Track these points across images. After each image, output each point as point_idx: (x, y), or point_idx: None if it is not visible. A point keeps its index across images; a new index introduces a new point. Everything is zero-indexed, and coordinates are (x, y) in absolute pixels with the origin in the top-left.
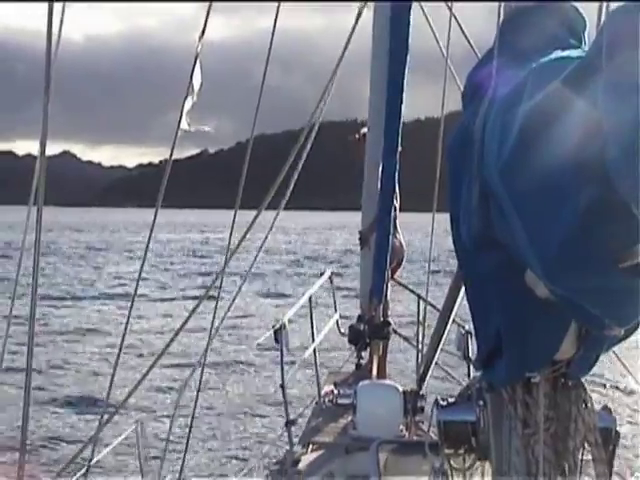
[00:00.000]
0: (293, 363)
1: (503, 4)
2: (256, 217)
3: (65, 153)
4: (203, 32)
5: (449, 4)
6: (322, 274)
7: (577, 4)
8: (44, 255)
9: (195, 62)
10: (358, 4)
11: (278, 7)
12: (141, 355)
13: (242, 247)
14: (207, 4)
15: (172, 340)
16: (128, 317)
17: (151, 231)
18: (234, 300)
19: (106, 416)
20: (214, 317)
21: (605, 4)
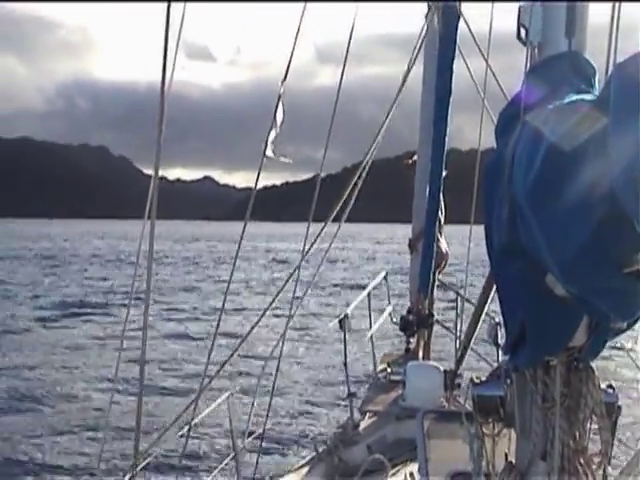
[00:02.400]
0: (354, 345)
1: (529, 56)
2: (323, 228)
3: (206, 178)
4: (285, 77)
5: (485, 56)
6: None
7: (588, 56)
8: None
9: (278, 101)
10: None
11: (346, 57)
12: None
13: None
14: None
15: (254, 326)
16: (222, 306)
17: (240, 240)
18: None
19: (206, 381)
20: (292, 305)
21: (612, 57)
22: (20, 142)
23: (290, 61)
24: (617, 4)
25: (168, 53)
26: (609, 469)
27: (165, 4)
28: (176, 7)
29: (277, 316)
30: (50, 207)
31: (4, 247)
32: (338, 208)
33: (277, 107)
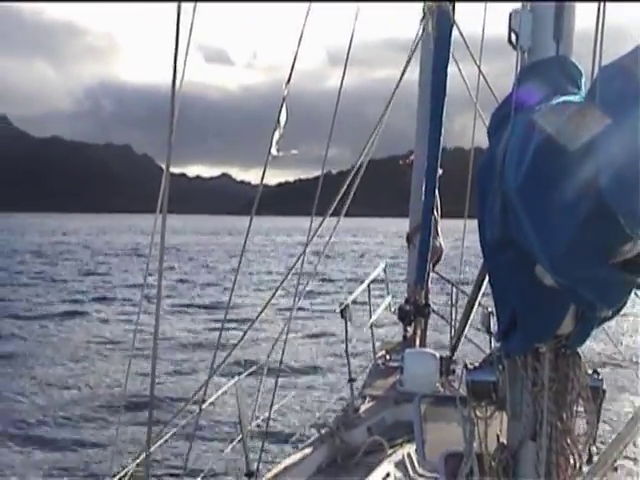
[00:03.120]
0: (355, 334)
1: (520, 60)
2: (322, 221)
3: (224, 175)
4: (288, 81)
5: (477, 62)
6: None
7: (574, 60)
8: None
9: (282, 104)
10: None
11: (346, 61)
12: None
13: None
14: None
15: (257, 317)
16: (230, 295)
17: (247, 233)
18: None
19: (215, 365)
20: (296, 294)
21: (597, 61)
22: (50, 141)
23: (293, 66)
24: (602, 10)
25: (182, 54)
26: (594, 448)
27: (183, 10)
28: (190, 10)
29: (282, 308)
30: (76, 202)
31: (28, 241)
32: (335, 203)
33: (281, 109)
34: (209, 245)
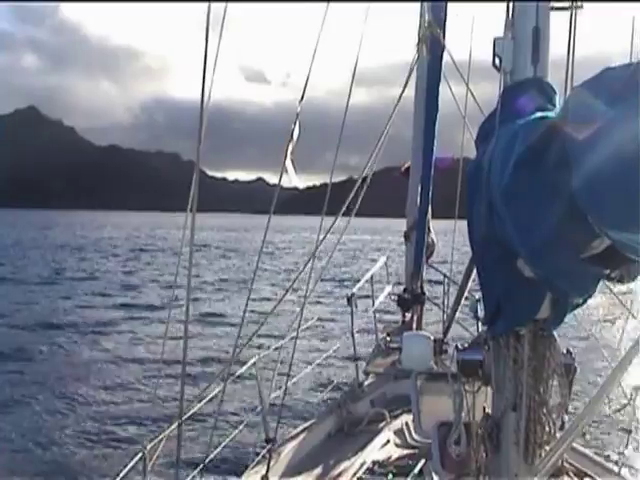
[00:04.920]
0: (360, 319)
1: (503, 80)
2: (334, 222)
3: (259, 179)
4: (302, 98)
5: (466, 81)
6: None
7: (550, 81)
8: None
9: (296, 119)
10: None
11: (351, 84)
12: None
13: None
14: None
15: (276, 305)
16: (250, 287)
17: (265, 232)
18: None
19: (239, 344)
20: (308, 282)
21: (569, 82)
22: (110, 149)
23: (305, 86)
24: (572, 39)
25: (212, 71)
26: (566, 417)
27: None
28: (229, 33)
29: (294, 297)
30: (129, 200)
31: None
32: (346, 205)
33: (295, 125)
34: (240, 241)
